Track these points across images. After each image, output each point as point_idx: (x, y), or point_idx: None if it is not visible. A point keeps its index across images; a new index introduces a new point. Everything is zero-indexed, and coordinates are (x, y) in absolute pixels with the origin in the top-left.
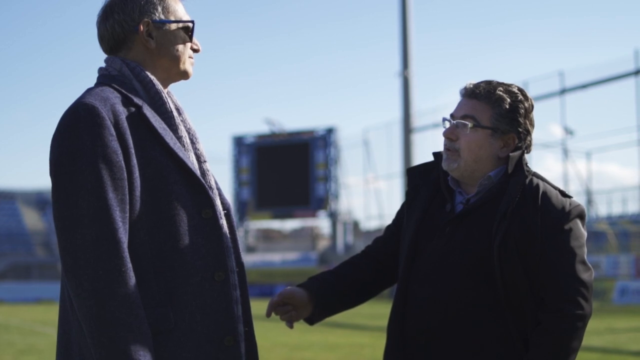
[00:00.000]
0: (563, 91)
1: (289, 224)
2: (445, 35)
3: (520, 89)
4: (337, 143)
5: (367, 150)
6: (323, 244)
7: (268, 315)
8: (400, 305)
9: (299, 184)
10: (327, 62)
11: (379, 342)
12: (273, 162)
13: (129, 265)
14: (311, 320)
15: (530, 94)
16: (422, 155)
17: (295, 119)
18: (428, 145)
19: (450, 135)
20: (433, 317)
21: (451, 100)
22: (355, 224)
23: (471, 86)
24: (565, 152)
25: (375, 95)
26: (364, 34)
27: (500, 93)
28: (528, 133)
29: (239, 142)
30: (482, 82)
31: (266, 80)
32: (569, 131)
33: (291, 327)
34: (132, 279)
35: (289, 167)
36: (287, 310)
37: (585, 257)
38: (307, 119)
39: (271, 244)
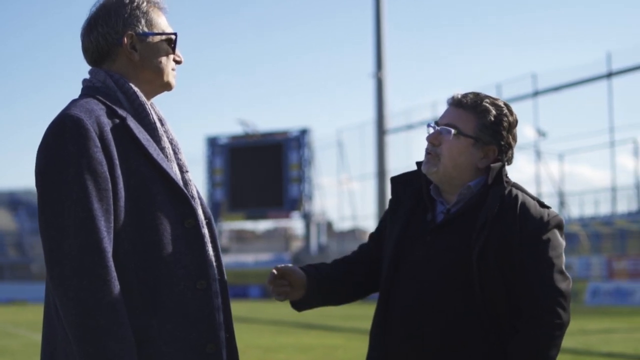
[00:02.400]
0: (536, 93)
1: (262, 225)
2: (419, 37)
3: (506, 104)
4: (310, 144)
5: (340, 152)
6: (297, 244)
7: (270, 283)
8: (383, 312)
9: (272, 185)
10: (301, 63)
11: (352, 344)
12: (247, 163)
13: (114, 274)
14: (298, 306)
15: (504, 96)
16: (396, 156)
17: (268, 120)
18: (401, 146)
19: (433, 140)
20: (414, 324)
21: (425, 102)
22: (329, 225)
23: (459, 96)
24: (538, 154)
25: (349, 96)
26: (338, 35)
27: (487, 105)
28: (510, 147)
29: (212, 143)
30: (470, 93)
31: (240, 81)
32: (541, 133)
33: (282, 300)
34: (116, 288)
35: (262, 168)
36: (283, 284)
37: (564, 267)
38: (281, 120)
39: (244, 245)
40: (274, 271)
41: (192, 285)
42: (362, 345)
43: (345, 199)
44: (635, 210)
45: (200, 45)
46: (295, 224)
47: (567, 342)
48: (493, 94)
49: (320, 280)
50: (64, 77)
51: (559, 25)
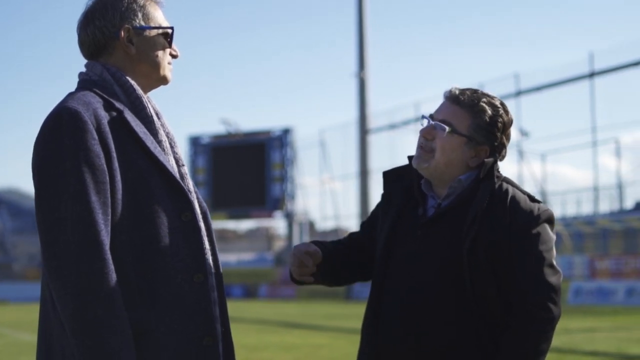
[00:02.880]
0: (518, 93)
1: (244, 224)
2: (402, 37)
3: (502, 103)
4: (293, 144)
5: (323, 151)
6: (279, 244)
7: (299, 266)
8: (375, 307)
9: (255, 185)
10: (284, 63)
11: (336, 343)
12: (229, 163)
13: (112, 267)
14: (299, 281)
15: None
16: (378, 156)
17: (251, 119)
18: (384, 146)
19: (426, 135)
20: (406, 320)
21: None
22: (311, 225)
23: (457, 92)
24: (521, 154)
25: (332, 96)
26: (321, 35)
27: (484, 105)
28: (503, 147)
29: (195, 142)
30: (468, 89)
31: (223, 80)
32: (524, 133)
33: (308, 283)
34: (114, 281)
35: (245, 168)
36: (310, 268)
37: (554, 260)
38: (264, 119)
39: (226, 245)
40: (304, 255)
41: (189, 278)
42: (346, 344)
43: (327, 198)
44: (617, 210)
45: (182, 45)
46: (278, 223)
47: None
48: None
49: (326, 261)
50: (50, 79)
51: (542, 25)
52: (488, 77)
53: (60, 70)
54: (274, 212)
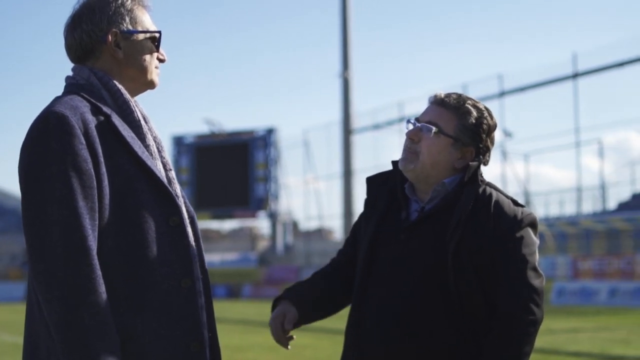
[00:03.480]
0: (502, 94)
1: (228, 224)
2: (386, 37)
3: (486, 108)
4: (277, 143)
5: (307, 151)
6: (262, 244)
7: (286, 347)
8: (357, 312)
9: (238, 185)
10: (268, 62)
11: (321, 343)
12: (213, 163)
13: (99, 272)
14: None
15: (470, 96)
16: (362, 156)
17: (235, 119)
18: (368, 146)
19: (413, 136)
20: (389, 322)
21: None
22: (295, 225)
23: (442, 95)
24: (504, 154)
25: (316, 96)
26: (305, 35)
27: (469, 107)
28: (487, 150)
29: (178, 142)
30: (453, 93)
31: (206, 80)
32: (507, 133)
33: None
34: (101, 286)
35: (228, 168)
36: (287, 338)
37: (537, 264)
38: (247, 119)
39: (210, 245)
40: (282, 332)
41: (177, 284)
42: (330, 345)
43: (311, 198)
44: (600, 211)
45: (166, 45)
46: (261, 223)
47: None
48: None
49: (304, 306)
50: (35, 81)
51: (526, 26)
52: (472, 78)
53: (46, 73)
54: (257, 212)
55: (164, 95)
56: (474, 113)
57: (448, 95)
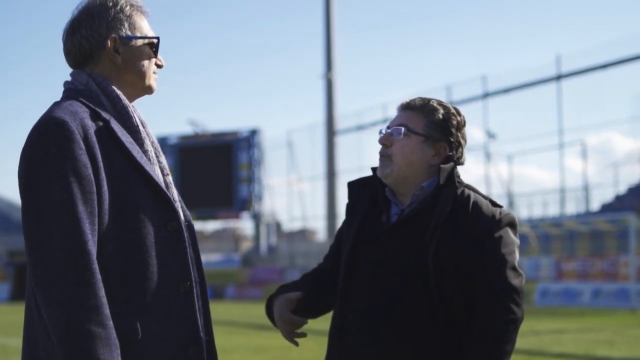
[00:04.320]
0: (486, 95)
1: (211, 225)
2: (369, 38)
3: (454, 107)
4: (260, 144)
5: (290, 152)
6: (246, 245)
7: (296, 344)
8: (340, 313)
9: (222, 185)
10: (251, 63)
11: (306, 344)
12: (196, 163)
13: (98, 276)
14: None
15: (454, 97)
16: (346, 157)
17: (218, 120)
18: (352, 147)
19: (385, 142)
20: (372, 324)
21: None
22: (278, 225)
23: (407, 100)
24: (487, 155)
25: (299, 97)
26: (288, 35)
27: (434, 105)
28: (460, 145)
29: (162, 142)
30: (417, 97)
31: (190, 80)
32: (491, 135)
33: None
34: (101, 291)
35: (212, 168)
36: (296, 334)
37: (516, 263)
38: (231, 120)
39: None
40: (289, 329)
41: (175, 288)
42: (315, 346)
43: (295, 199)
44: (584, 212)
45: None
46: (245, 224)
47: (519, 342)
48: (443, 96)
49: (300, 306)
50: (30, 85)
51: (510, 27)
52: (455, 79)
53: (45, 78)
54: (241, 213)
55: (148, 96)
56: (440, 110)
57: (413, 100)
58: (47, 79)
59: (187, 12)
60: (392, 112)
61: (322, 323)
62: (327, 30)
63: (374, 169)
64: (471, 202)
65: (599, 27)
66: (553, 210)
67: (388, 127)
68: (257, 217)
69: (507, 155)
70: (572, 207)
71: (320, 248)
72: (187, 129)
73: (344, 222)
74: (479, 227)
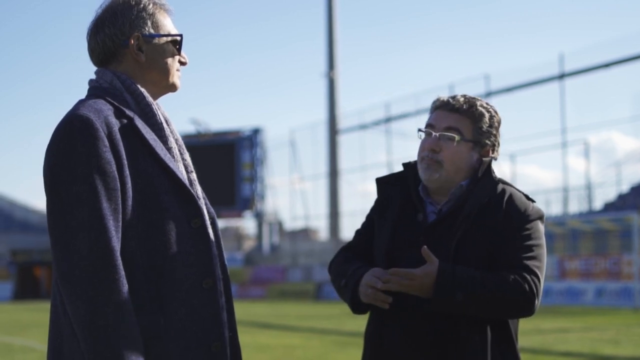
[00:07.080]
0: (489, 94)
1: None
2: (372, 37)
3: (492, 106)
4: (263, 143)
5: (293, 151)
6: (249, 244)
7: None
8: (379, 314)
9: (224, 184)
10: (254, 62)
11: (310, 343)
12: (199, 162)
13: (122, 273)
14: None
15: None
16: (348, 156)
17: (221, 119)
18: (354, 146)
19: (435, 147)
20: (413, 326)
21: (378, 102)
22: (280, 224)
23: (450, 100)
24: None
25: (302, 96)
26: (290, 34)
27: (481, 109)
28: (499, 145)
29: None
30: (457, 96)
31: (192, 80)
32: None
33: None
34: (124, 287)
35: (214, 168)
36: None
37: (543, 256)
38: (233, 119)
39: None
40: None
41: (199, 284)
42: (320, 345)
43: (297, 198)
44: (587, 211)
45: None
46: (247, 223)
47: (524, 341)
48: (446, 94)
49: None
50: (26, 82)
51: (512, 26)
52: (458, 78)
53: (44, 76)
54: (243, 212)
55: None
56: (486, 113)
57: (457, 100)
58: (47, 78)
59: (190, 11)
60: (395, 111)
61: (326, 322)
62: (330, 28)
63: (405, 165)
64: (506, 195)
65: (602, 26)
66: (556, 210)
67: (431, 127)
68: (259, 216)
69: (509, 155)
70: (575, 206)
71: (323, 247)
72: (189, 128)
73: (374, 212)
74: (511, 219)
